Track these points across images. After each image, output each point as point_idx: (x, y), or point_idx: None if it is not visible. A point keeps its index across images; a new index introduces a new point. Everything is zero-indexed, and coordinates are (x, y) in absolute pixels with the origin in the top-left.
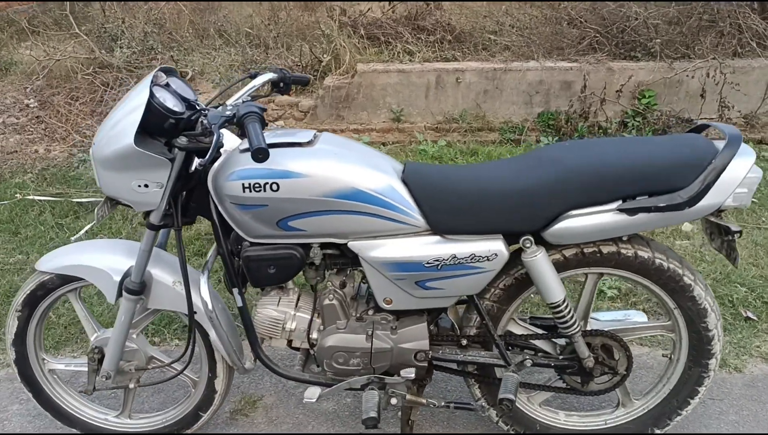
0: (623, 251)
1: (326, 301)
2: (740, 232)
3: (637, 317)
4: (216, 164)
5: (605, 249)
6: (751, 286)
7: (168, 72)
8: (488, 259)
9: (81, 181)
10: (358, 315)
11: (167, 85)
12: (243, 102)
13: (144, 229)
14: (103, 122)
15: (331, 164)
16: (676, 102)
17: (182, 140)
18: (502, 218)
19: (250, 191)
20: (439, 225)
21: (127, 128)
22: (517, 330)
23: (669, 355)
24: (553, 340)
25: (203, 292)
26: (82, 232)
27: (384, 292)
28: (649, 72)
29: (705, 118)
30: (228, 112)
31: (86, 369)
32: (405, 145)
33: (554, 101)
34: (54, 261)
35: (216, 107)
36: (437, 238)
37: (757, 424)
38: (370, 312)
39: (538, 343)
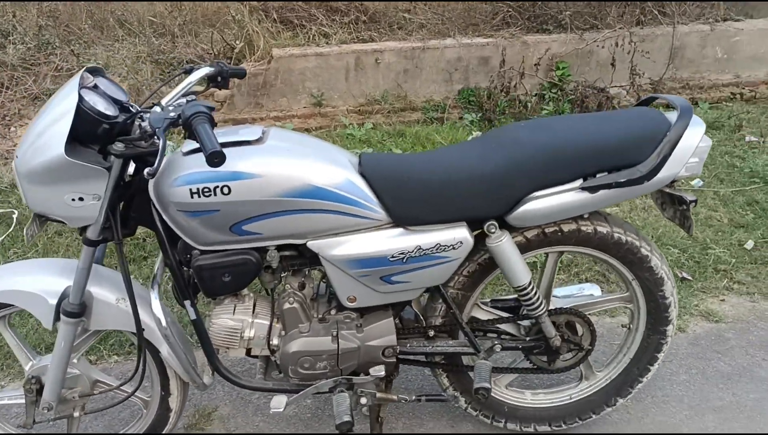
0: (583, 228)
1: (286, 305)
2: (695, 201)
3: (593, 290)
4: (155, 170)
5: (566, 227)
6: (682, 247)
7: (94, 72)
8: (454, 248)
9: None
10: (320, 316)
11: (95, 87)
12: (187, 101)
13: (79, 245)
14: (25, 132)
15: (285, 162)
16: (588, 72)
17: (119, 146)
18: (466, 205)
19: (199, 196)
20: (402, 217)
21: (55, 137)
22: (482, 315)
23: (627, 326)
24: (518, 321)
25: (155, 308)
26: None
27: (347, 291)
28: (561, 44)
29: (616, 87)
30: (172, 114)
31: (22, 401)
32: (330, 130)
33: (473, 77)
34: None
35: (150, 108)
36: (400, 230)
37: (705, 381)
38: (333, 311)
39: (504, 326)
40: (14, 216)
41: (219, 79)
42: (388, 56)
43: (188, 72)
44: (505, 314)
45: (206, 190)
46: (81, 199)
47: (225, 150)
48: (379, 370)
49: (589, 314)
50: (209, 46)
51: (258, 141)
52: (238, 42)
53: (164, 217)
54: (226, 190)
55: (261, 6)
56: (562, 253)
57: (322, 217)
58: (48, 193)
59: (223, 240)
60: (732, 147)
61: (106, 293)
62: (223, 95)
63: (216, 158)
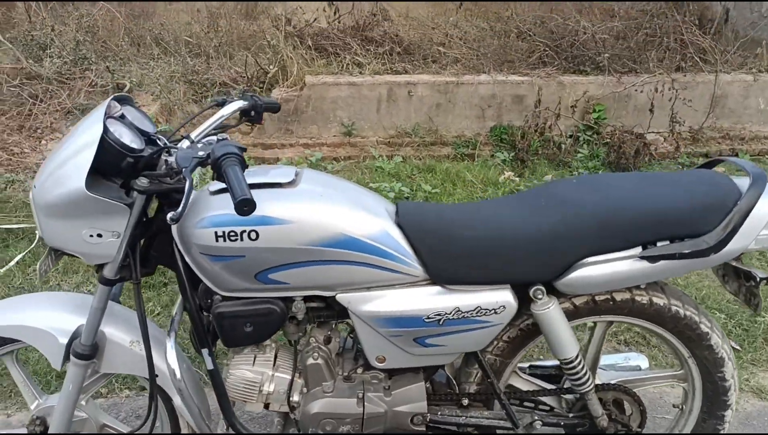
0: (638, 298)
1: (310, 361)
2: (766, 279)
3: (640, 361)
4: (180, 210)
5: (619, 296)
6: (729, 313)
7: (122, 101)
8: (495, 312)
9: (9, 205)
10: (345, 374)
11: (122, 117)
12: (218, 139)
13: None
14: (45, 161)
15: (318, 208)
16: (625, 116)
17: (143, 182)
18: (511, 267)
19: (225, 240)
20: (440, 274)
21: (76, 170)
22: (521, 384)
23: (680, 406)
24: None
25: (169, 357)
26: (12, 263)
27: (377, 350)
28: (598, 86)
29: (653, 132)
30: (201, 153)
31: None
32: (359, 161)
33: (506, 115)
34: None
35: (178, 141)
36: (438, 288)
37: None
38: (359, 370)
39: (545, 398)
40: (37, 232)
41: (252, 113)
42: (421, 89)
43: (220, 105)
44: (547, 386)
45: (233, 234)
46: (99, 235)
47: (254, 192)
48: None
49: (635, 389)
50: (243, 69)
51: (290, 184)
52: (272, 67)
53: (186, 258)
54: (253, 235)
55: (296, 32)
56: (611, 322)
57: (353, 269)
58: (65, 227)
59: (247, 287)
60: None
61: (120, 334)
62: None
63: (245, 206)
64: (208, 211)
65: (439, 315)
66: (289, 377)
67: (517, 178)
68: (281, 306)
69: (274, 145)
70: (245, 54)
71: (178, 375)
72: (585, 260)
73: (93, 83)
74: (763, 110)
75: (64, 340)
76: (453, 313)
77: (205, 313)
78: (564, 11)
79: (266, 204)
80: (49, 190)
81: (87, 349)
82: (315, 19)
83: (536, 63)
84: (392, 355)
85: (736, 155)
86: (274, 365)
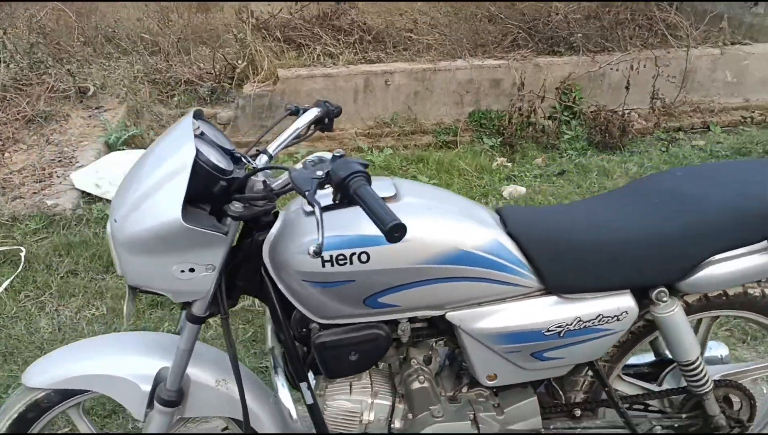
0: (750, 291)
1: (416, 385)
2: None
3: (720, 350)
4: (273, 232)
5: (731, 291)
6: None
7: (197, 116)
8: (617, 319)
9: None
10: (450, 395)
11: (202, 135)
12: (334, 156)
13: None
14: (121, 190)
15: (429, 223)
16: (600, 95)
17: (236, 207)
18: (634, 271)
19: (332, 265)
20: (558, 283)
21: (169, 199)
22: (625, 388)
23: None
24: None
25: (283, 396)
26: (0, 289)
27: (488, 368)
28: (573, 66)
29: (629, 109)
30: (319, 172)
31: None
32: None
33: (484, 100)
34: (49, 372)
35: (254, 156)
36: (555, 298)
37: None
38: (464, 389)
39: (651, 400)
40: (22, 254)
41: (326, 120)
42: (398, 78)
43: (294, 113)
44: (651, 387)
45: (341, 257)
46: (192, 270)
47: (358, 209)
48: None
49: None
50: (207, 65)
51: (393, 198)
52: (240, 61)
53: (280, 286)
54: (364, 257)
55: (262, 24)
56: (716, 317)
57: (467, 285)
58: (153, 264)
59: (352, 313)
60: None
61: (205, 374)
62: (227, 117)
63: (397, 232)
64: (310, 234)
65: (559, 327)
66: (389, 403)
67: (510, 164)
68: (386, 330)
69: (248, 143)
70: (210, 49)
71: (294, 414)
72: (712, 258)
73: (52, 88)
74: (729, 82)
75: (147, 387)
76: (574, 323)
77: (297, 343)
78: None
79: None
80: (134, 224)
81: (173, 394)
82: (280, 10)
83: (510, 46)
84: (505, 372)
85: (708, 128)
86: (371, 392)
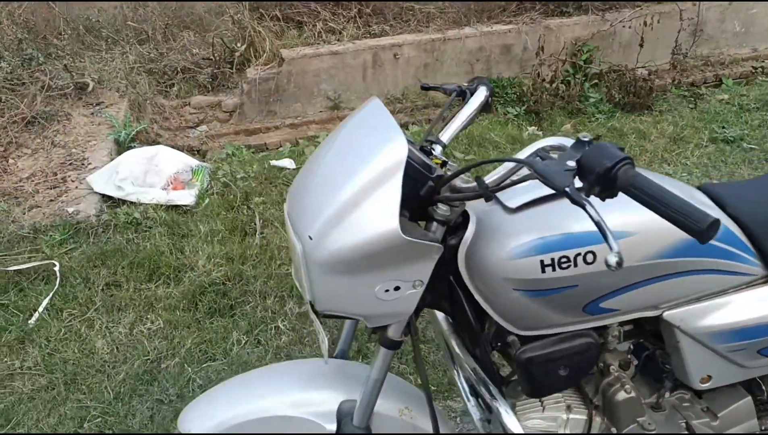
0: None
1: (620, 395)
2: None
3: None
4: (469, 235)
5: None
6: None
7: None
8: None
9: (2, 241)
10: (651, 402)
11: None
12: (581, 140)
13: None
14: (300, 199)
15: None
16: (611, 54)
17: (443, 210)
18: None
19: (554, 269)
20: None
21: (382, 209)
22: None
23: None
24: None
25: (510, 425)
26: (40, 309)
27: (703, 369)
28: (584, 27)
29: (641, 67)
30: (570, 163)
31: None
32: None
33: (495, 67)
34: (211, 417)
35: (429, 145)
36: None
37: None
38: (666, 394)
39: None
40: (56, 268)
41: (490, 99)
42: (407, 50)
43: (460, 94)
44: None
45: (564, 259)
46: (397, 288)
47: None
48: None
49: None
50: (201, 50)
51: None
52: (239, 44)
53: (477, 296)
54: (590, 257)
55: (257, 4)
56: None
57: (693, 279)
58: (354, 285)
59: (564, 322)
60: None
61: (387, 403)
62: (232, 104)
63: (713, 231)
64: (524, 235)
65: None
66: (585, 417)
67: (540, 133)
68: (595, 337)
69: (258, 130)
70: (197, 34)
71: None
72: None
73: (48, 86)
74: (738, 33)
75: (332, 427)
76: None
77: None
78: None
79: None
80: (338, 241)
81: (363, 430)
82: None
83: (517, 10)
84: (722, 373)
85: (720, 81)
86: (565, 406)
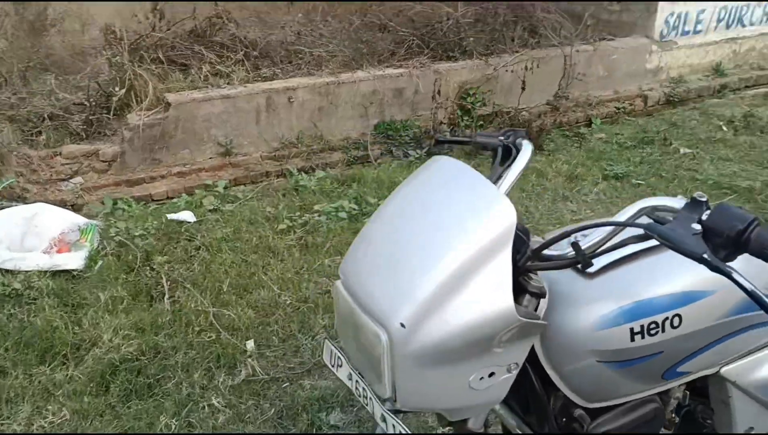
0: None
1: None
2: None
3: None
4: (543, 307)
5: None
6: None
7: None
8: None
9: None
10: None
11: None
12: (697, 199)
13: None
14: (377, 279)
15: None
16: (495, 97)
17: (536, 280)
18: None
19: (643, 337)
20: None
21: (494, 287)
22: None
23: None
24: None
25: None
26: None
27: (750, 421)
28: (470, 71)
29: (523, 109)
30: (695, 226)
31: None
32: (270, 182)
33: (388, 110)
34: None
35: None
36: None
37: None
38: None
39: None
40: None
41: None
42: (301, 94)
43: (506, 151)
44: None
45: (653, 326)
46: (491, 374)
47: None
48: None
49: None
50: (70, 94)
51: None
52: (117, 88)
53: (549, 371)
54: (676, 321)
55: (132, 45)
56: None
57: (753, 333)
58: (448, 376)
59: (640, 390)
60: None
61: None
62: (111, 153)
63: None
64: (610, 302)
65: None
66: None
67: None
68: (659, 402)
69: (141, 180)
70: (73, 77)
71: None
72: None
73: None
74: (602, 76)
75: None
76: None
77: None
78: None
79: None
80: (438, 328)
81: None
82: (152, 29)
83: (406, 54)
84: (765, 423)
85: (590, 121)
86: None
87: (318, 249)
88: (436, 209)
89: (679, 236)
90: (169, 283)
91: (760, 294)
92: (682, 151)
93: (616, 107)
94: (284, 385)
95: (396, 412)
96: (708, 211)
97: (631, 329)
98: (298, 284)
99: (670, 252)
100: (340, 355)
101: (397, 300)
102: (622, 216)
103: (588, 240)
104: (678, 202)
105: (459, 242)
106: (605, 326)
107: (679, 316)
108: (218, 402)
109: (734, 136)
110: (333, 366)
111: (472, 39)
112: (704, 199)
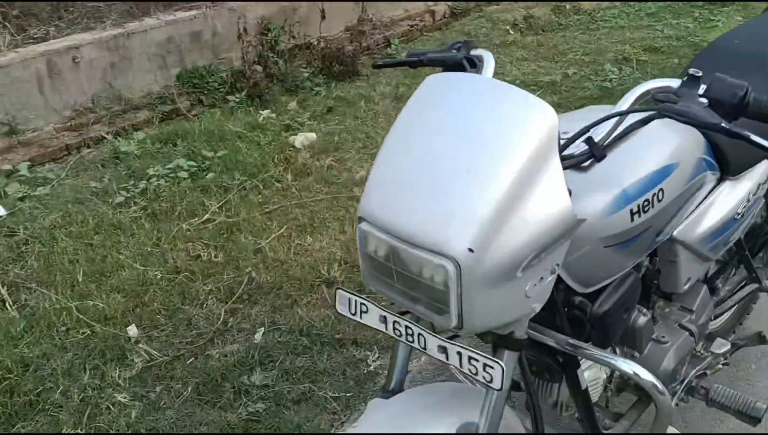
0: None
1: (641, 320)
2: None
3: None
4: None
5: None
6: None
7: None
8: None
9: None
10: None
11: None
12: (693, 75)
13: None
14: (422, 209)
15: (674, 131)
16: (296, 28)
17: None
18: None
19: (639, 215)
20: None
21: (552, 192)
22: None
23: None
24: None
25: None
26: None
27: (689, 273)
28: (266, 6)
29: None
30: (702, 99)
31: None
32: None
33: (188, 56)
34: None
35: None
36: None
37: None
38: (659, 303)
39: None
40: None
41: None
42: (87, 52)
43: (471, 64)
44: None
45: (646, 203)
46: (541, 279)
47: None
48: None
49: None
50: None
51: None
52: None
53: None
54: (660, 195)
55: None
56: None
57: (701, 192)
58: (510, 290)
59: (628, 265)
60: None
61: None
62: None
63: None
64: (613, 187)
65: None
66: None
67: (274, 115)
68: (635, 272)
69: None
70: None
71: None
72: None
73: None
74: None
75: None
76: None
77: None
78: None
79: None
80: (506, 245)
81: None
82: None
83: None
84: (698, 272)
85: (389, 43)
86: None
87: (168, 215)
88: (466, 125)
89: (694, 112)
90: (5, 287)
91: None
92: None
93: (409, 25)
94: (189, 361)
95: (453, 337)
96: (704, 86)
97: (631, 210)
98: (162, 256)
99: (643, 134)
100: (363, 300)
101: (458, 225)
102: (625, 104)
103: (598, 133)
104: (673, 82)
105: (508, 154)
106: (611, 212)
107: (663, 189)
108: (122, 398)
109: (522, 37)
110: (354, 314)
111: None
112: (699, 75)
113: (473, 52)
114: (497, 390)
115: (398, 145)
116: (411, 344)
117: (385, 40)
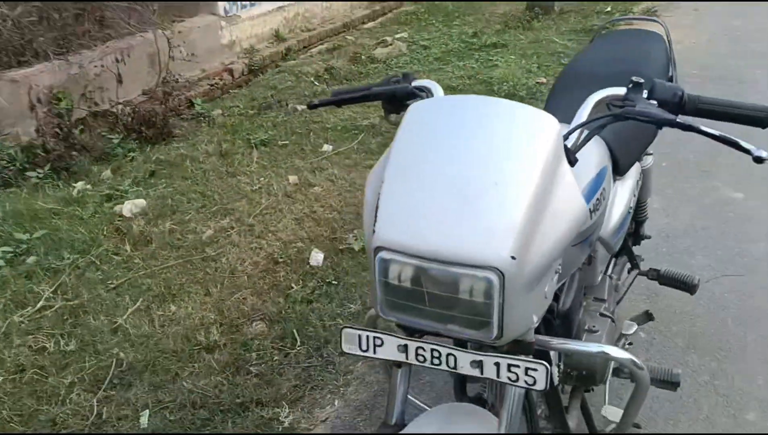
0: None
1: None
2: None
3: None
4: None
5: None
6: None
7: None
8: None
9: None
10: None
11: None
12: (637, 82)
13: None
14: (452, 227)
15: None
16: (94, 94)
17: None
18: None
19: (594, 214)
20: None
21: (568, 192)
22: None
23: None
24: None
25: None
26: None
27: (601, 265)
28: (52, 74)
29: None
30: (651, 101)
31: None
32: None
33: None
34: None
35: None
36: None
37: None
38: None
39: None
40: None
41: None
42: None
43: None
44: None
45: (597, 202)
46: (552, 278)
47: None
48: None
49: None
50: None
51: None
52: None
53: None
54: (604, 193)
55: None
56: None
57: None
58: (537, 292)
59: (577, 264)
60: None
61: None
62: None
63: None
64: (579, 186)
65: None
66: None
67: (90, 186)
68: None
69: None
70: None
71: None
72: None
73: None
74: (186, 58)
75: None
76: None
77: None
78: None
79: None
80: (540, 248)
81: None
82: None
83: None
84: (604, 261)
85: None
86: None
87: None
88: (480, 142)
89: (653, 112)
90: None
91: (730, 137)
92: (299, 108)
93: (209, 84)
94: None
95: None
96: (646, 91)
97: (590, 209)
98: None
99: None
100: (377, 334)
101: (498, 235)
102: (584, 112)
103: (569, 141)
104: (620, 90)
105: (528, 163)
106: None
107: (604, 189)
108: None
109: (328, 87)
110: (366, 350)
111: (42, 39)
112: (641, 81)
113: (416, 83)
114: (541, 391)
115: (407, 173)
116: (437, 367)
117: (187, 101)
